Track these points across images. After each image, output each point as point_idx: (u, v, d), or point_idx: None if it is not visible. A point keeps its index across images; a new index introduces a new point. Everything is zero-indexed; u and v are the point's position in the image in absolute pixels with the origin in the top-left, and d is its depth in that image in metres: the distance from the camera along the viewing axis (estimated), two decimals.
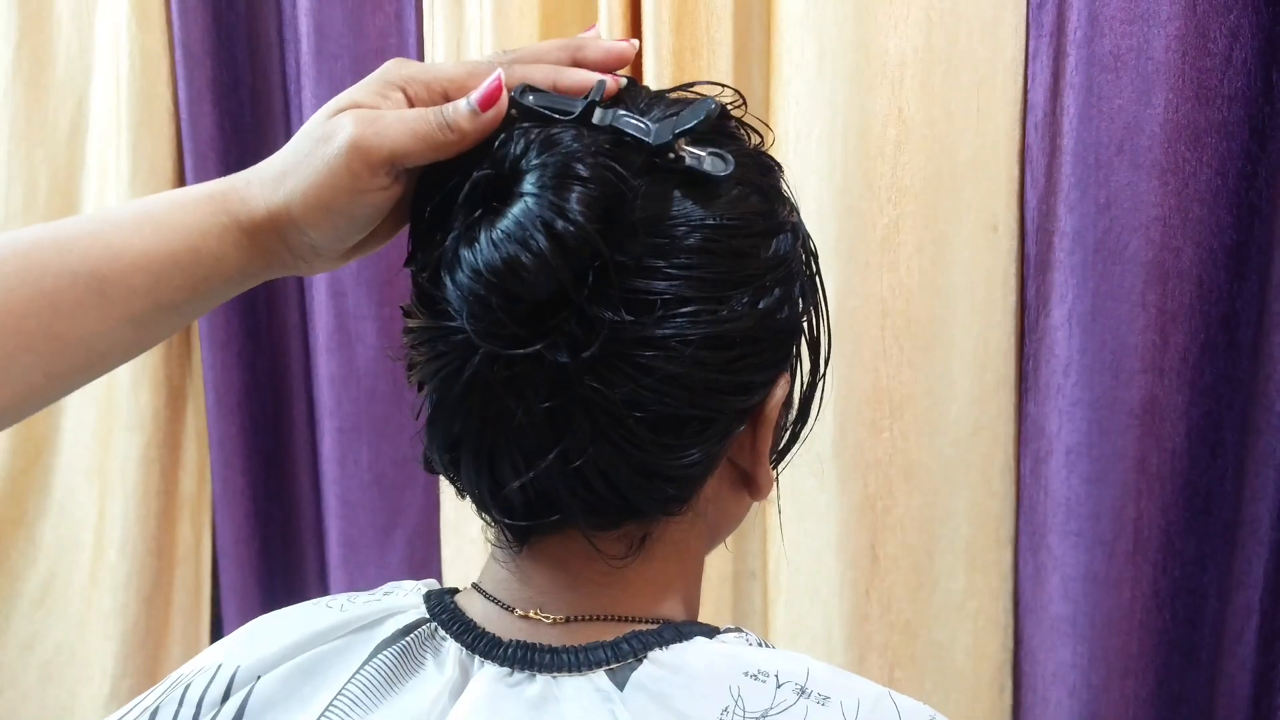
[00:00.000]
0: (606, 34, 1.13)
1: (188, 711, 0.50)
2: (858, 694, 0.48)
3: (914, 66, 1.07)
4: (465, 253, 0.44)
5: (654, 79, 1.11)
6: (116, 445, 1.43)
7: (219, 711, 0.50)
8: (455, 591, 0.55)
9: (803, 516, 1.14)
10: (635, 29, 1.15)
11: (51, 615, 1.52)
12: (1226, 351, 1.01)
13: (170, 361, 1.43)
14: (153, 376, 1.40)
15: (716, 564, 1.19)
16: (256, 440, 1.42)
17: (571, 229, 0.43)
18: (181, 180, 1.38)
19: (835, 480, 1.12)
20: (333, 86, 1.29)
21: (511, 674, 0.49)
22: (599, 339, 0.44)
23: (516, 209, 0.43)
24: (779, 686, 0.47)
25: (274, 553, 1.46)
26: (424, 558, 1.37)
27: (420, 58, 1.29)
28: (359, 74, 1.36)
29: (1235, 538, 1.03)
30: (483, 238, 0.44)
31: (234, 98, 1.38)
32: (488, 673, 0.49)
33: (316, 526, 1.44)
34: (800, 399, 0.56)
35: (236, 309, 1.39)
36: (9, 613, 1.52)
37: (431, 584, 0.57)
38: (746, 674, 0.47)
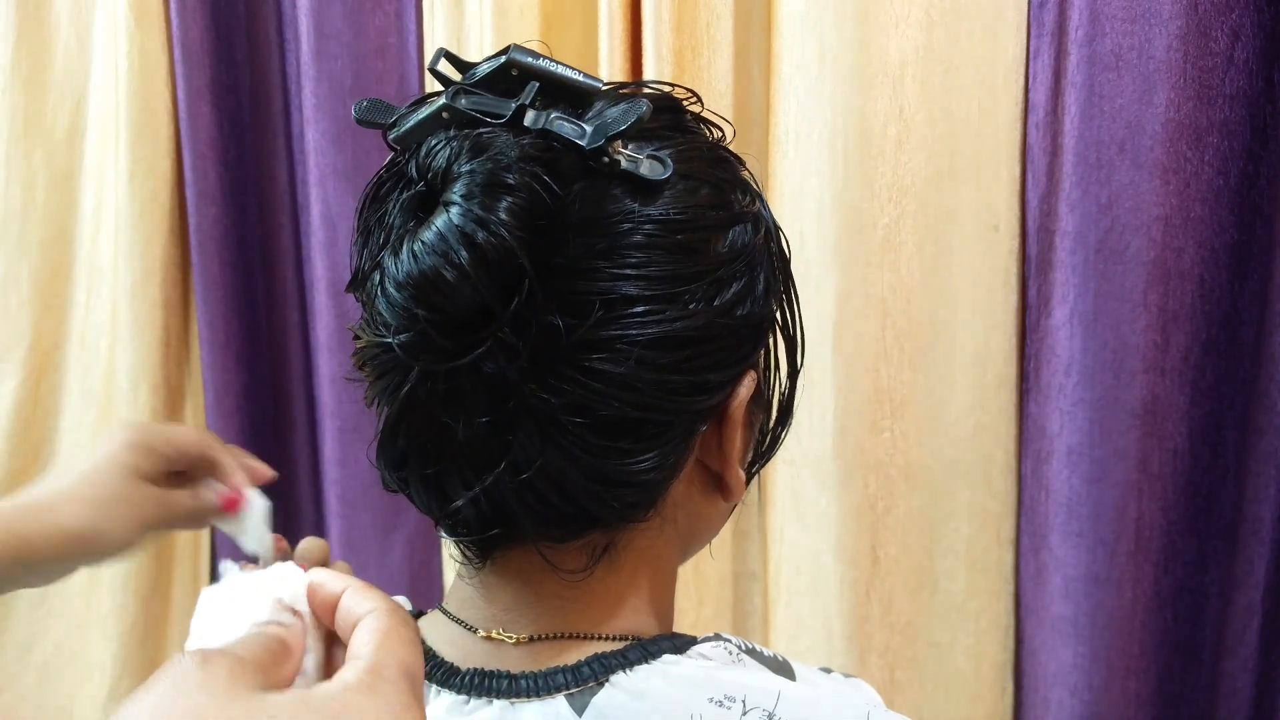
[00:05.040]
0: (606, 34, 1.13)
1: None
2: None
3: (915, 66, 1.06)
4: (390, 265, 0.43)
5: (654, 79, 1.11)
6: None
7: None
8: (420, 615, 0.54)
9: (803, 517, 1.14)
10: (635, 29, 1.14)
11: (50, 616, 1.51)
12: (1228, 351, 1.01)
13: (169, 362, 1.42)
14: (151, 377, 1.40)
15: (717, 565, 1.19)
16: (256, 441, 1.42)
17: (494, 241, 0.41)
18: (180, 180, 1.38)
19: (836, 481, 1.12)
20: (332, 86, 1.29)
21: (468, 702, 0.48)
22: (531, 347, 0.43)
23: (440, 221, 0.42)
24: (745, 713, 0.46)
25: None
26: (424, 558, 1.37)
27: (420, 57, 1.29)
28: (358, 74, 1.36)
29: (1237, 538, 1.03)
30: (405, 250, 0.42)
31: (233, 97, 1.38)
32: (444, 701, 0.48)
33: (317, 527, 1.44)
34: (779, 399, 0.54)
35: (236, 309, 1.39)
36: (8, 613, 1.52)
37: (401, 603, 0.56)
38: (711, 699, 0.46)
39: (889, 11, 1.06)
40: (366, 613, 0.37)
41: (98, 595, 1.47)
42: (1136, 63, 0.99)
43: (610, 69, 1.13)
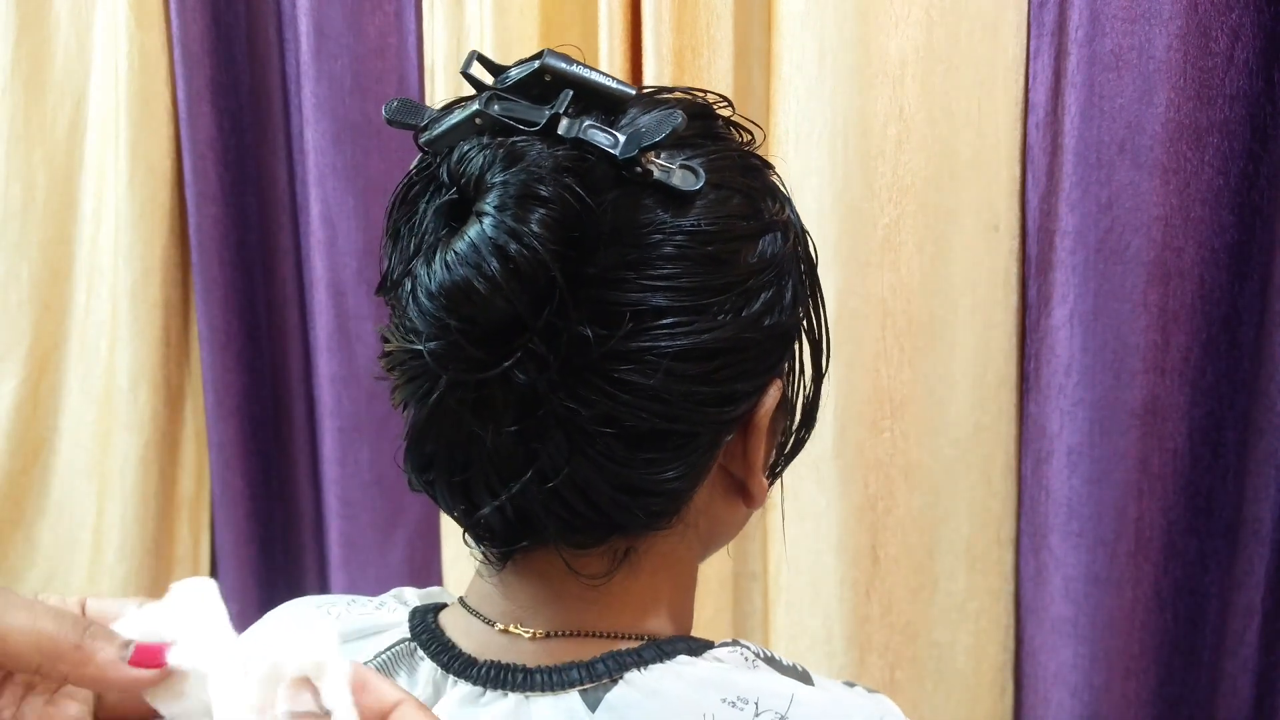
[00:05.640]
0: (606, 34, 1.13)
1: None
2: None
3: (915, 65, 1.06)
4: (423, 274, 0.43)
5: (654, 79, 1.11)
6: (115, 446, 1.42)
7: None
8: (442, 608, 0.55)
9: (803, 517, 1.14)
10: (635, 29, 1.14)
11: None
12: (1228, 351, 1.01)
13: (169, 362, 1.42)
14: (151, 377, 1.40)
15: (717, 566, 1.19)
16: (256, 441, 1.42)
17: (526, 253, 0.41)
18: (180, 180, 1.38)
19: (836, 481, 1.12)
20: (332, 86, 1.29)
21: (484, 693, 0.48)
22: (561, 357, 0.43)
23: (473, 231, 0.42)
24: (757, 715, 0.46)
25: (274, 553, 1.46)
26: (425, 558, 1.36)
27: (420, 57, 1.29)
28: (358, 74, 1.36)
29: (1237, 538, 1.03)
30: (437, 259, 0.42)
31: (233, 97, 1.38)
32: (459, 691, 0.49)
33: (317, 527, 1.44)
34: (801, 404, 0.54)
35: (236, 309, 1.39)
36: None
37: (434, 593, 0.57)
38: (724, 700, 0.46)
39: (889, 11, 1.06)
40: None
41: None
42: (1136, 63, 0.99)
43: (610, 69, 1.13)
